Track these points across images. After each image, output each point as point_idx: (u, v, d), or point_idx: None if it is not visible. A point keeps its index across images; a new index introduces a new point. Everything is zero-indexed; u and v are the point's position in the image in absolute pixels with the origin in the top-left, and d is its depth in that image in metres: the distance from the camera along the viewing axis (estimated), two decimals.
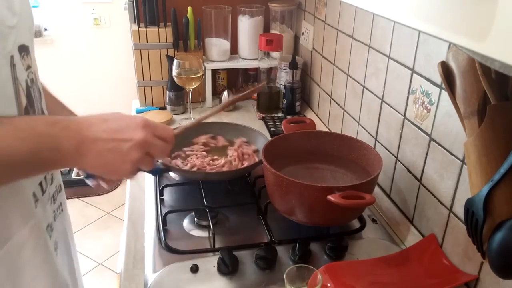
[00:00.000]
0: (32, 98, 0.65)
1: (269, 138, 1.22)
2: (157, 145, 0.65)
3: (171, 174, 1.21)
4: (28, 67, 0.65)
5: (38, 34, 2.75)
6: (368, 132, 1.20)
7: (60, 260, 0.74)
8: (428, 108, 0.90)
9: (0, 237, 0.60)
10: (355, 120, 1.27)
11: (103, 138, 0.60)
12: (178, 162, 1.15)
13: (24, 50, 0.63)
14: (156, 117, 1.53)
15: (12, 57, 0.59)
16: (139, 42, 1.59)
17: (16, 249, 0.62)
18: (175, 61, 1.41)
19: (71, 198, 2.80)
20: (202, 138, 1.25)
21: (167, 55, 1.59)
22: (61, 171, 0.84)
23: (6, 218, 0.60)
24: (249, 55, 1.71)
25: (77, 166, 0.65)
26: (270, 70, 1.60)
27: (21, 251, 0.63)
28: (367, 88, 1.19)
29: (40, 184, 0.68)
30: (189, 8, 1.58)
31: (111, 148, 0.60)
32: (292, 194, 0.90)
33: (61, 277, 0.73)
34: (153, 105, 1.67)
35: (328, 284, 0.81)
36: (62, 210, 0.77)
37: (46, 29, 2.81)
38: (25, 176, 0.60)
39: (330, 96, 1.46)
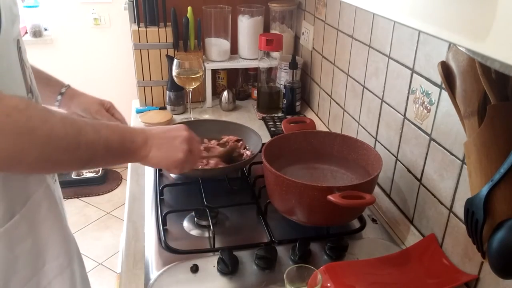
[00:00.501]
0: (31, 76, 0.74)
1: (260, 135, 1.22)
2: (197, 143, 0.85)
3: (171, 173, 1.21)
4: (25, 50, 0.72)
5: (38, 34, 2.75)
6: (368, 132, 1.20)
7: (65, 220, 0.82)
8: (428, 108, 0.90)
9: (22, 196, 0.69)
10: (355, 120, 1.27)
11: (160, 136, 0.78)
12: None
13: (20, 35, 0.71)
14: (156, 117, 1.53)
15: (18, 41, 0.67)
16: (139, 42, 1.59)
17: (35, 207, 0.71)
18: (175, 61, 1.41)
19: (71, 198, 2.80)
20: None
21: (167, 55, 1.59)
22: None
23: (26, 180, 0.70)
24: (249, 55, 1.71)
25: (145, 159, 0.76)
26: (270, 70, 1.60)
27: (39, 209, 0.72)
28: (367, 88, 1.19)
29: None
30: (189, 8, 1.58)
31: (167, 142, 0.78)
32: (292, 194, 0.90)
33: (70, 234, 0.82)
34: (153, 105, 1.67)
35: (328, 284, 0.81)
36: (55, 180, 0.86)
37: (46, 29, 2.81)
38: (111, 162, 0.73)
39: (330, 96, 1.46)
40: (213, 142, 1.27)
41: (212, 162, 1.16)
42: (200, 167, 1.13)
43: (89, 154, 0.64)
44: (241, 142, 1.27)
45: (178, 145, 0.79)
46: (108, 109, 1.04)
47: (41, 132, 0.57)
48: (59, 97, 0.96)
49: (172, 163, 0.80)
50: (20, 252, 0.69)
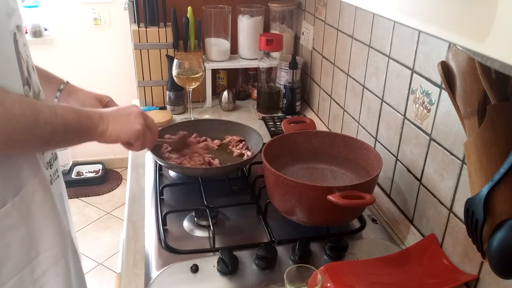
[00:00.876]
0: (30, 70, 0.75)
1: (260, 134, 1.22)
2: (150, 118, 0.91)
3: (171, 173, 1.21)
4: (24, 44, 0.74)
5: (38, 34, 2.74)
6: (368, 132, 1.20)
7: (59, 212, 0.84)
8: (428, 108, 0.90)
9: (15, 184, 0.71)
10: (355, 120, 1.27)
11: (115, 113, 0.83)
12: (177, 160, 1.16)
13: (20, 29, 0.72)
14: (156, 117, 1.53)
15: (15, 34, 0.69)
16: (139, 42, 1.59)
17: (28, 196, 0.73)
18: (175, 61, 1.41)
19: (71, 198, 2.80)
20: (200, 142, 1.26)
21: (167, 55, 1.59)
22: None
23: (19, 169, 0.71)
24: (249, 55, 1.71)
25: (104, 135, 0.80)
26: (270, 70, 1.60)
27: (32, 198, 0.74)
28: (367, 88, 1.19)
29: None
30: (189, 8, 1.58)
31: (122, 116, 0.84)
32: (292, 194, 0.90)
33: (65, 226, 0.83)
34: (153, 105, 1.67)
35: (328, 284, 0.81)
36: (58, 176, 0.89)
37: (46, 29, 2.81)
38: (72, 141, 0.76)
39: (330, 96, 1.46)
40: (216, 141, 1.27)
41: (213, 161, 1.16)
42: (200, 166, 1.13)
43: (48, 132, 0.68)
44: (243, 142, 1.27)
45: (133, 119, 0.86)
46: (107, 103, 1.05)
47: (0, 111, 0.60)
48: (58, 94, 0.97)
49: (132, 134, 0.85)
50: (12, 239, 0.71)
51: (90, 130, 0.78)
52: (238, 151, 1.23)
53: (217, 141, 1.27)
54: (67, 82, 1.00)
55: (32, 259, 0.75)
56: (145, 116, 0.89)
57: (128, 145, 0.89)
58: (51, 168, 0.84)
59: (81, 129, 0.76)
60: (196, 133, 1.28)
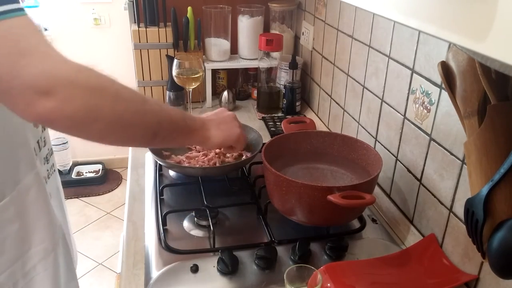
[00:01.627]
0: None
1: (260, 134, 1.22)
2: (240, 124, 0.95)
3: (171, 173, 1.21)
4: None
5: None
6: (368, 132, 1.20)
7: (54, 207, 0.85)
8: (428, 108, 0.90)
9: (13, 179, 0.72)
10: (355, 120, 1.27)
11: (214, 118, 0.88)
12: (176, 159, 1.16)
13: None
14: None
15: None
16: (139, 42, 1.59)
17: (24, 192, 0.74)
18: (175, 61, 1.41)
19: (71, 198, 2.80)
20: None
21: (167, 55, 1.59)
22: (60, 171, 0.93)
23: (17, 165, 0.72)
24: (249, 55, 1.71)
25: (208, 140, 0.83)
26: (270, 70, 1.60)
27: (28, 194, 0.75)
28: (367, 88, 1.19)
29: (38, 142, 0.82)
30: (189, 8, 1.58)
31: (222, 122, 0.88)
32: (292, 194, 0.90)
33: (56, 220, 0.84)
34: None
35: (328, 284, 0.81)
36: (54, 170, 0.90)
37: (46, 29, 2.81)
38: (177, 138, 0.78)
39: (330, 96, 1.46)
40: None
41: (212, 160, 1.16)
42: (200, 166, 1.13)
43: (156, 123, 0.68)
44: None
45: (231, 123, 0.90)
46: None
47: (110, 90, 0.59)
48: None
49: (235, 139, 0.90)
50: (7, 234, 0.72)
51: (195, 131, 0.79)
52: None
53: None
54: None
55: (24, 252, 0.76)
56: (237, 119, 0.94)
57: (230, 148, 0.94)
58: (47, 163, 0.85)
59: (185, 127, 0.77)
60: None
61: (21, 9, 0.53)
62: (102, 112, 0.57)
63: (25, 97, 0.51)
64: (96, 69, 0.59)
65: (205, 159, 1.17)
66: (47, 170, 0.86)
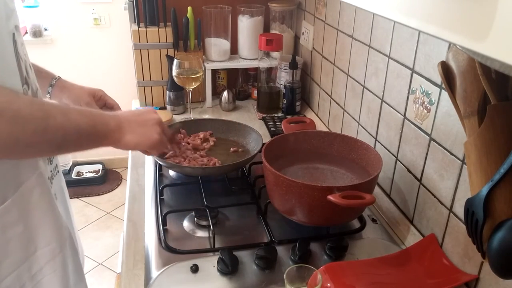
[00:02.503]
0: (28, 69, 0.76)
1: (260, 134, 1.23)
2: (165, 125, 0.92)
3: (171, 173, 1.21)
4: (22, 44, 0.75)
5: (38, 34, 2.74)
6: (368, 132, 1.20)
7: (59, 208, 0.84)
8: (428, 108, 0.90)
9: (14, 182, 0.71)
10: (355, 120, 1.27)
11: (133, 119, 0.84)
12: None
13: (17, 30, 0.73)
14: None
15: (13, 34, 0.70)
16: (139, 42, 1.59)
17: (27, 194, 0.73)
18: (175, 61, 1.41)
19: (71, 198, 2.79)
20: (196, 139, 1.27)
21: (167, 55, 1.59)
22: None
23: (18, 166, 0.71)
24: (249, 55, 1.71)
25: (119, 142, 0.80)
26: (270, 70, 1.60)
27: (31, 195, 0.74)
28: (367, 88, 1.19)
29: None
30: (189, 8, 1.58)
31: (140, 125, 0.84)
32: (292, 194, 0.90)
33: (62, 221, 0.83)
34: (153, 105, 1.67)
35: (328, 284, 0.81)
36: (58, 171, 0.89)
37: (46, 29, 2.81)
38: (86, 146, 0.75)
39: (330, 96, 1.46)
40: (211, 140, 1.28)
41: (212, 161, 1.16)
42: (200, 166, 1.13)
43: (59, 137, 0.67)
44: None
45: (151, 128, 0.87)
46: (100, 97, 1.05)
47: (8, 113, 0.59)
48: (49, 89, 0.98)
49: (150, 145, 0.87)
50: (11, 236, 0.72)
51: (106, 136, 0.77)
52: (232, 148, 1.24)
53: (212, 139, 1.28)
54: (59, 77, 1.01)
55: (30, 254, 0.76)
56: (162, 124, 0.91)
57: (145, 152, 0.92)
58: (51, 164, 0.85)
59: (95, 135, 0.75)
60: (196, 132, 1.29)
61: None
62: None
63: None
64: None
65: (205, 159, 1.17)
66: (51, 171, 0.85)
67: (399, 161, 1.04)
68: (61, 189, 0.91)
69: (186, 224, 1.00)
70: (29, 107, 0.62)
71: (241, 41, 1.71)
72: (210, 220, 0.96)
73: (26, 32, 2.75)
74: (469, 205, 0.64)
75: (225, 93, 1.66)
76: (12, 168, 0.71)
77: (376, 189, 1.13)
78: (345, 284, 0.82)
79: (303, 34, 1.67)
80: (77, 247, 0.90)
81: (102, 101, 1.07)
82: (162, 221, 0.98)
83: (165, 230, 0.97)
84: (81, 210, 2.72)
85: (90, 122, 0.73)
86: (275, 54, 1.57)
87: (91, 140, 0.75)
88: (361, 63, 1.20)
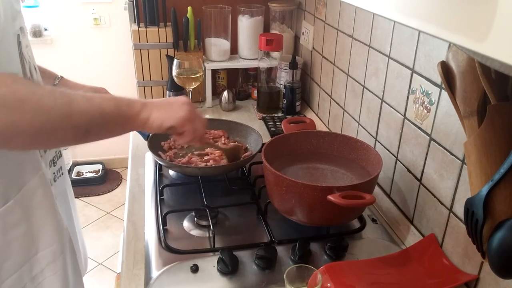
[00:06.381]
0: (32, 71, 0.77)
1: (260, 134, 1.23)
2: (197, 110, 0.86)
3: (171, 173, 1.21)
4: (27, 45, 0.75)
5: (38, 34, 2.74)
6: (368, 132, 1.20)
7: (60, 210, 0.84)
8: (428, 108, 0.90)
9: (17, 182, 0.71)
10: (355, 120, 1.27)
11: (159, 101, 0.81)
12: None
13: (23, 31, 0.74)
14: None
15: (18, 35, 0.70)
16: (139, 42, 1.59)
17: (29, 194, 0.73)
18: (175, 61, 1.41)
19: None
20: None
21: (167, 55, 1.59)
22: None
23: (22, 166, 0.72)
24: (249, 55, 1.71)
25: (147, 122, 0.77)
26: (270, 70, 1.60)
27: (33, 196, 0.74)
28: (367, 88, 1.19)
29: None
30: (189, 8, 1.58)
31: (166, 103, 0.80)
32: (292, 194, 0.90)
33: (62, 222, 0.83)
34: None
35: (328, 284, 0.81)
36: (62, 173, 0.89)
37: (46, 29, 2.81)
38: (113, 131, 0.73)
39: (330, 96, 1.46)
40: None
41: (213, 159, 1.16)
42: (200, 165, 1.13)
43: (85, 121, 0.65)
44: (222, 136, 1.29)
45: (177, 107, 0.81)
46: None
47: (30, 103, 0.58)
48: None
49: (176, 120, 0.80)
50: (13, 237, 0.72)
51: (132, 118, 0.74)
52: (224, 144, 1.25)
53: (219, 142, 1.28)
54: (61, 77, 1.01)
55: (32, 256, 0.76)
56: (191, 105, 0.85)
57: (178, 134, 0.84)
58: (54, 166, 0.85)
59: (121, 117, 0.73)
60: None
61: None
62: (21, 128, 0.57)
63: None
64: (18, 78, 0.59)
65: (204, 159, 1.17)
66: (54, 173, 0.85)
67: (399, 161, 1.04)
68: (65, 191, 0.91)
69: (186, 224, 1.00)
70: (51, 94, 0.62)
71: (241, 41, 1.71)
72: (210, 220, 0.96)
73: (26, 32, 2.75)
74: (469, 205, 0.64)
75: (225, 93, 1.66)
76: (15, 168, 0.71)
77: (376, 189, 1.13)
78: (345, 284, 0.82)
79: (303, 34, 1.67)
80: (77, 249, 0.90)
81: None
82: (162, 221, 0.98)
83: (165, 230, 0.97)
84: (81, 210, 2.72)
85: (114, 105, 0.71)
86: (275, 54, 1.57)
87: (117, 123, 0.73)
88: (361, 63, 1.20)
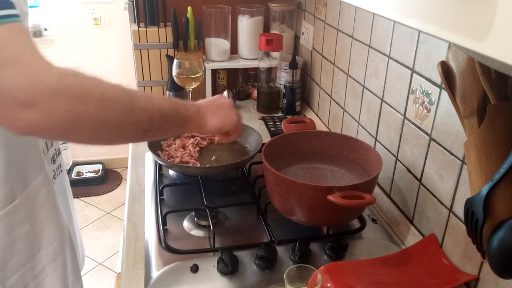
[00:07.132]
0: None
1: (260, 134, 1.23)
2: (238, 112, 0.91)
3: (171, 173, 1.21)
4: None
5: (38, 34, 2.75)
6: (368, 132, 1.20)
7: (61, 208, 0.85)
8: (428, 108, 0.90)
9: (22, 181, 0.72)
10: (355, 120, 1.27)
11: (210, 104, 0.84)
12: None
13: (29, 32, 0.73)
14: None
15: None
16: (139, 42, 1.59)
17: (34, 193, 0.75)
18: (175, 61, 1.41)
19: None
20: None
21: (167, 55, 1.59)
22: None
23: (26, 166, 0.73)
24: (249, 55, 1.71)
25: (204, 127, 0.80)
26: (270, 70, 1.60)
27: (37, 195, 0.75)
28: (367, 88, 1.19)
29: (46, 143, 0.83)
30: (189, 8, 1.58)
31: (218, 108, 0.84)
32: (292, 194, 0.90)
33: (64, 221, 0.84)
34: None
35: (328, 284, 0.81)
36: (61, 171, 0.90)
37: (46, 29, 2.81)
38: (171, 130, 0.75)
39: (330, 96, 1.46)
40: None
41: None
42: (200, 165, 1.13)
43: (145, 119, 0.65)
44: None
45: (229, 110, 0.87)
46: None
47: (94, 95, 0.57)
48: None
49: (232, 126, 0.86)
50: (17, 235, 0.72)
51: (188, 121, 0.76)
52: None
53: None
54: None
55: (34, 254, 0.76)
56: (236, 107, 0.91)
57: (227, 135, 0.90)
58: (54, 163, 0.85)
59: (178, 118, 0.74)
60: None
61: (11, 16, 0.53)
62: (87, 119, 0.57)
63: (7, 109, 0.50)
64: (81, 72, 0.58)
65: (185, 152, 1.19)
66: (54, 171, 0.86)
67: (399, 161, 1.04)
68: (63, 188, 0.92)
69: (186, 224, 1.00)
70: (114, 89, 0.61)
71: (241, 41, 1.71)
72: (210, 220, 0.96)
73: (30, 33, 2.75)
74: (469, 205, 0.64)
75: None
76: (21, 167, 0.72)
77: (376, 189, 1.13)
78: (345, 284, 0.82)
79: (303, 34, 1.67)
80: (76, 247, 0.91)
81: None
82: (162, 221, 0.98)
83: (165, 230, 0.97)
84: (81, 210, 2.72)
85: (171, 106, 0.72)
86: (275, 54, 1.57)
87: (175, 124, 0.74)
88: (361, 63, 1.20)
